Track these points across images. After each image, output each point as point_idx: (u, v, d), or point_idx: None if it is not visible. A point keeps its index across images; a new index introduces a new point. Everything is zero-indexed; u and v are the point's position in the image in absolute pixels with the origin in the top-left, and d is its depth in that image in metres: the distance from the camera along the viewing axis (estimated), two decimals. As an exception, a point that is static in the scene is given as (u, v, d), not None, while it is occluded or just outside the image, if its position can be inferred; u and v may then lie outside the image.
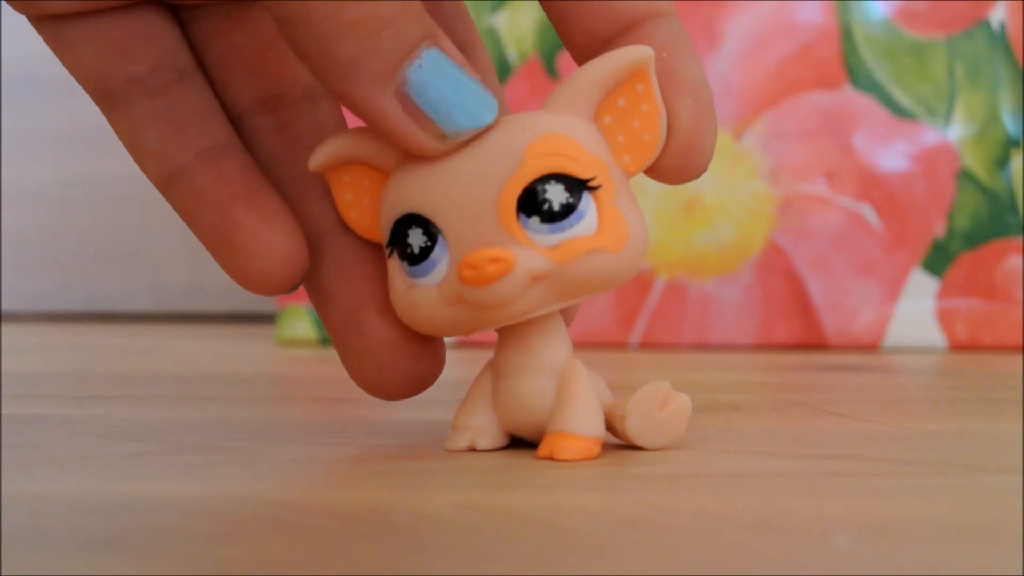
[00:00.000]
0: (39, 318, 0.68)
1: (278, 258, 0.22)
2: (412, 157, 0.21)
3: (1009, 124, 0.50)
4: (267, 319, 0.63)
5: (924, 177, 0.50)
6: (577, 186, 0.20)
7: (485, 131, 0.21)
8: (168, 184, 0.22)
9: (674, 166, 0.22)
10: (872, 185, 0.50)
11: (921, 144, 0.50)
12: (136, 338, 0.56)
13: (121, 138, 0.23)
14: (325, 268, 0.23)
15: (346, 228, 0.23)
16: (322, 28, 0.19)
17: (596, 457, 0.22)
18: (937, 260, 0.50)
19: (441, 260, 0.21)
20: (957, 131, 0.50)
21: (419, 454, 0.23)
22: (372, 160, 0.22)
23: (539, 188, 0.20)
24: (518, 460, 0.22)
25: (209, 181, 0.22)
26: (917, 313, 0.50)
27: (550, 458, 0.21)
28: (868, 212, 0.50)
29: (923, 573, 0.15)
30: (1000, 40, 0.50)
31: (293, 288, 0.23)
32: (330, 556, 0.15)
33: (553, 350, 0.22)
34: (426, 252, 0.21)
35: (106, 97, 0.22)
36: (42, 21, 0.22)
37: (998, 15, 0.50)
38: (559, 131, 0.21)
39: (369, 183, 0.22)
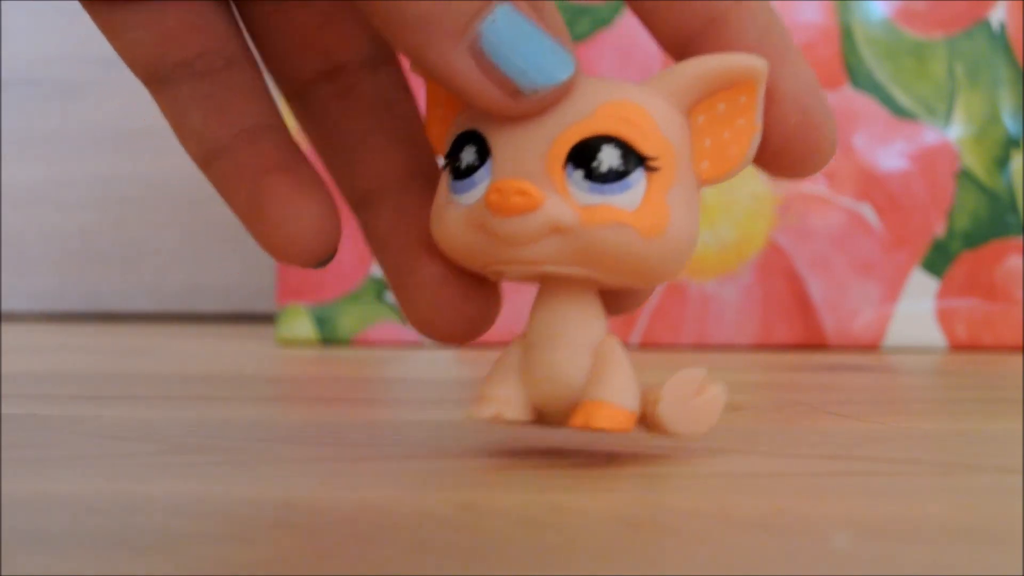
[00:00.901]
0: (39, 318, 0.68)
1: (309, 226, 0.21)
2: None
3: (1009, 124, 0.50)
4: (267, 319, 0.63)
5: (924, 177, 0.50)
6: (634, 159, 0.20)
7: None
8: (208, 161, 0.22)
9: (792, 171, 0.21)
10: (872, 185, 0.50)
11: (921, 144, 0.50)
12: (136, 338, 0.56)
13: (167, 117, 0.23)
14: (384, 216, 0.23)
15: (408, 181, 0.23)
16: None
17: (628, 432, 0.21)
18: (937, 260, 0.50)
19: (482, 182, 0.20)
20: (957, 131, 0.50)
21: (419, 454, 0.23)
22: None
23: (595, 144, 0.20)
24: (518, 460, 0.22)
25: (247, 155, 0.22)
26: (917, 313, 0.50)
27: (585, 426, 0.20)
28: (868, 212, 0.50)
29: (923, 573, 0.15)
30: (1000, 40, 0.50)
31: (323, 262, 0.22)
32: (330, 556, 0.15)
33: (588, 324, 0.21)
34: (472, 170, 0.20)
35: (154, 80, 0.23)
36: (93, 3, 0.22)
37: (998, 15, 0.50)
38: (640, 103, 0.20)
39: (462, 106, 0.22)
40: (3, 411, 0.29)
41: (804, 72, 0.21)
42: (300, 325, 0.51)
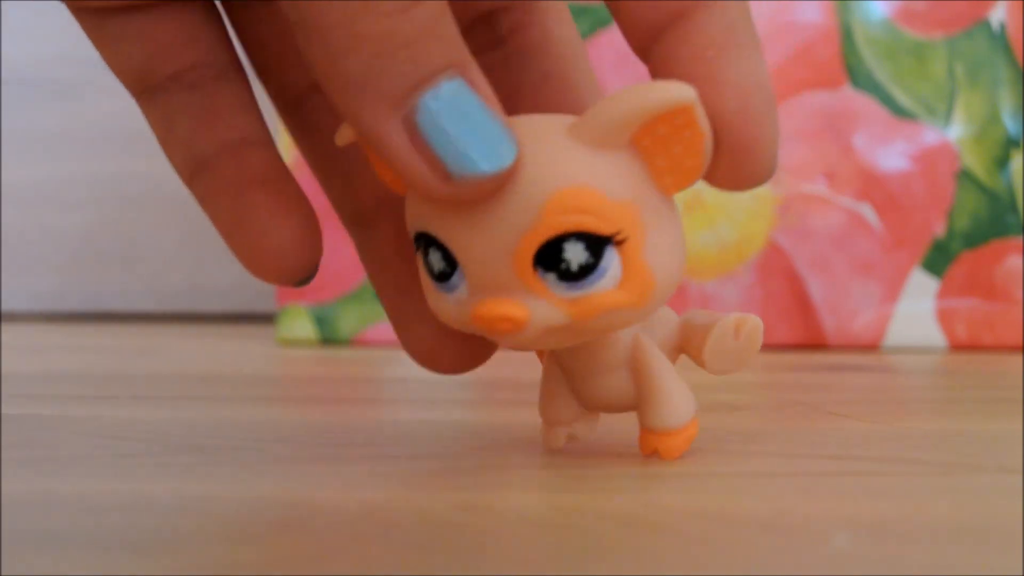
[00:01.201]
0: (39, 318, 0.68)
1: (289, 244, 0.21)
2: None
3: (1009, 124, 0.50)
4: (267, 319, 0.63)
5: (924, 177, 0.50)
6: (599, 244, 0.19)
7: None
8: (192, 174, 0.22)
9: (727, 176, 0.20)
10: (872, 185, 0.50)
11: (921, 144, 0.50)
12: (136, 338, 0.56)
13: (153, 128, 0.22)
14: (383, 238, 0.23)
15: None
16: (333, 37, 0.17)
17: (696, 436, 0.22)
18: (937, 260, 0.50)
19: (460, 286, 0.20)
20: (957, 131, 0.50)
21: (419, 454, 0.23)
22: None
23: (556, 245, 0.19)
24: (518, 460, 0.22)
25: (230, 169, 0.21)
26: (917, 313, 0.50)
27: (655, 456, 0.22)
28: (868, 212, 0.50)
29: (923, 573, 0.15)
30: (1000, 40, 0.50)
31: (303, 280, 0.22)
32: (331, 556, 0.15)
33: (616, 343, 0.22)
34: (446, 276, 0.20)
35: (142, 91, 0.22)
36: (83, 12, 0.22)
37: (998, 15, 0.50)
38: (583, 181, 0.19)
39: None
40: (3, 411, 0.29)
41: (756, 71, 0.20)
42: (300, 325, 0.51)
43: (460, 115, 0.18)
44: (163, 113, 0.22)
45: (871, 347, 0.50)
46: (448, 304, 0.20)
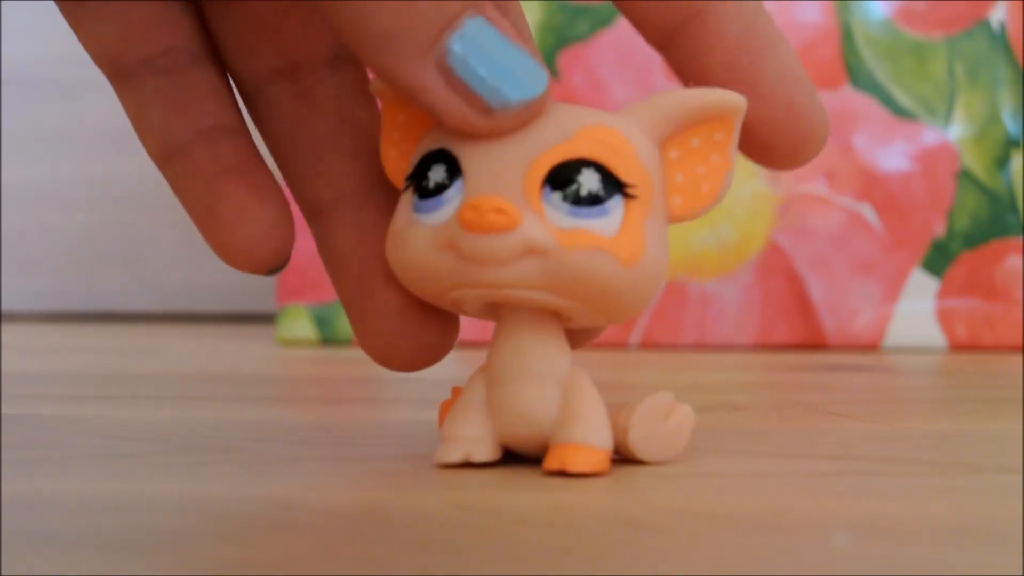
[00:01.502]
0: (39, 318, 0.68)
1: (260, 233, 0.21)
2: None
3: (1009, 124, 0.50)
4: (267, 319, 0.63)
5: (924, 177, 0.50)
6: (613, 184, 0.19)
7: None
8: (166, 160, 0.22)
9: (779, 161, 0.21)
10: (872, 185, 0.50)
11: (921, 144, 0.50)
12: (136, 338, 0.56)
13: (127, 113, 0.22)
14: (341, 232, 0.22)
15: (366, 194, 0.22)
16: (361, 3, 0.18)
17: (605, 472, 0.21)
18: (937, 260, 0.50)
19: (451, 202, 0.20)
20: (957, 131, 0.50)
21: (419, 454, 0.23)
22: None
23: (575, 168, 0.19)
24: (518, 460, 0.22)
25: (203, 157, 0.21)
26: (917, 313, 0.50)
27: (561, 471, 0.20)
28: (868, 212, 0.50)
29: (923, 573, 0.15)
30: (1000, 40, 0.50)
31: (274, 270, 0.22)
32: (330, 556, 0.15)
33: (553, 357, 0.21)
34: (441, 189, 0.20)
35: (117, 74, 0.22)
36: None
37: (998, 15, 0.50)
38: (619, 129, 0.20)
39: (421, 131, 0.21)
40: (3, 411, 0.29)
41: (790, 64, 0.21)
42: (300, 325, 0.51)
43: (487, 50, 0.19)
44: (136, 97, 0.22)
45: (871, 347, 0.50)
46: (421, 230, 0.20)
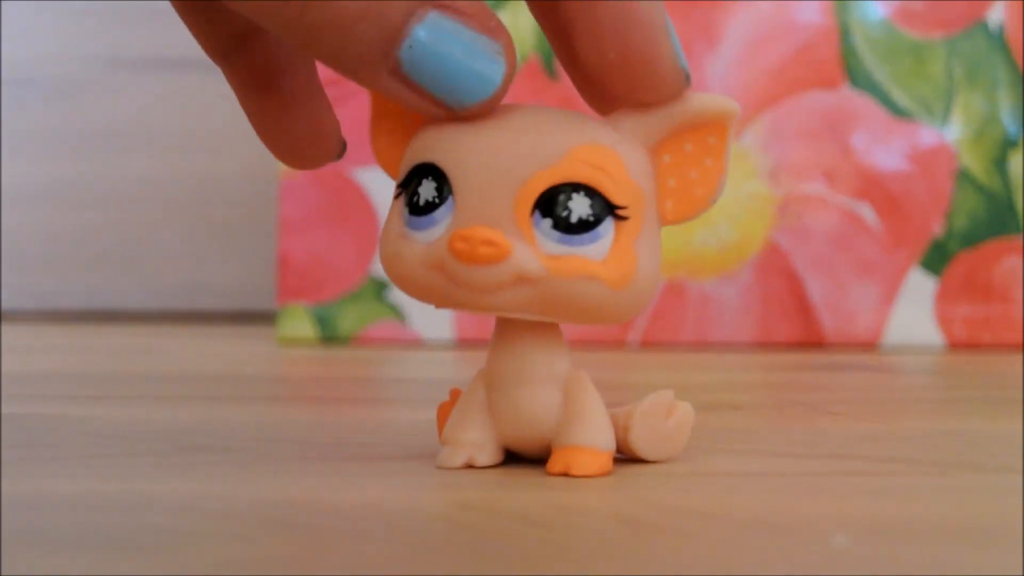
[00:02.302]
0: (39, 318, 0.68)
1: (302, 138, 0.22)
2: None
3: (1007, 124, 0.50)
4: (267, 319, 0.63)
5: (923, 177, 0.50)
6: (604, 208, 0.19)
7: (538, 108, 0.20)
8: (225, 54, 0.23)
9: (621, 81, 0.20)
10: (871, 185, 0.50)
11: (920, 144, 0.50)
12: (136, 338, 0.56)
13: (182, 19, 0.23)
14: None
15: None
16: (299, 31, 0.18)
17: (610, 473, 0.21)
18: (936, 260, 0.50)
19: (442, 221, 0.20)
20: (955, 131, 0.50)
21: (419, 454, 0.23)
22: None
23: (564, 193, 0.19)
24: (517, 460, 0.22)
25: (254, 55, 0.22)
26: (916, 313, 0.50)
27: (565, 474, 0.20)
28: (867, 212, 0.50)
29: (923, 573, 0.15)
30: (998, 41, 0.50)
31: (335, 158, 0.23)
32: (330, 556, 0.15)
33: (554, 360, 0.21)
34: (431, 207, 0.20)
35: None
36: None
37: (996, 16, 0.50)
38: (610, 145, 0.19)
39: (411, 117, 0.21)
40: (3, 411, 0.29)
41: (637, 10, 0.20)
42: (300, 324, 0.51)
43: (438, 57, 0.19)
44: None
45: (870, 346, 0.50)
46: (413, 246, 0.20)
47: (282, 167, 0.52)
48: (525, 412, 0.21)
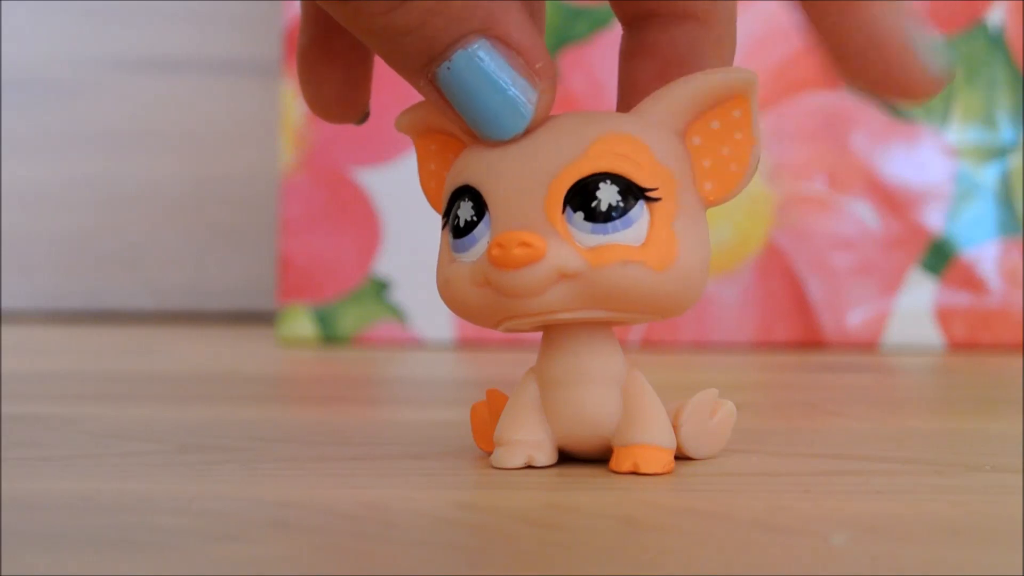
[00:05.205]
0: (39, 318, 0.68)
1: (333, 92, 0.23)
2: None
3: (1006, 124, 0.50)
4: (267, 319, 0.64)
5: (922, 177, 0.50)
6: (633, 192, 0.19)
7: (562, 114, 0.20)
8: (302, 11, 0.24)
9: (892, 78, 0.21)
10: (871, 185, 0.50)
11: (919, 144, 0.50)
12: (136, 338, 0.56)
13: None
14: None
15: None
16: (354, 29, 0.19)
17: (671, 471, 0.21)
18: (936, 260, 0.50)
19: (482, 238, 0.20)
20: (955, 131, 0.50)
21: (419, 454, 0.23)
22: (457, 132, 0.21)
23: (592, 184, 0.19)
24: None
25: (306, 8, 0.23)
26: (915, 313, 0.50)
27: (634, 472, 0.20)
28: (866, 212, 0.50)
29: (922, 572, 0.15)
30: (998, 41, 0.50)
31: (358, 120, 0.24)
32: (330, 556, 0.15)
33: (609, 359, 0.21)
34: (471, 226, 0.20)
35: None
36: None
37: (996, 17, 0.50)
38: (632, 133, 0.20)
39: (454, 156, 0.22)
40: (3, 411, 0.29)
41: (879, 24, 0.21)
42: (301, 325, 0.51)
43: (472, 85, 0.19)
44: None
45: (869, 347, 0.50)
46: (461, 268, 0.20)
47: (283, 167, 0.52)
48: (586, 412, 0.21)
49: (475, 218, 0.20)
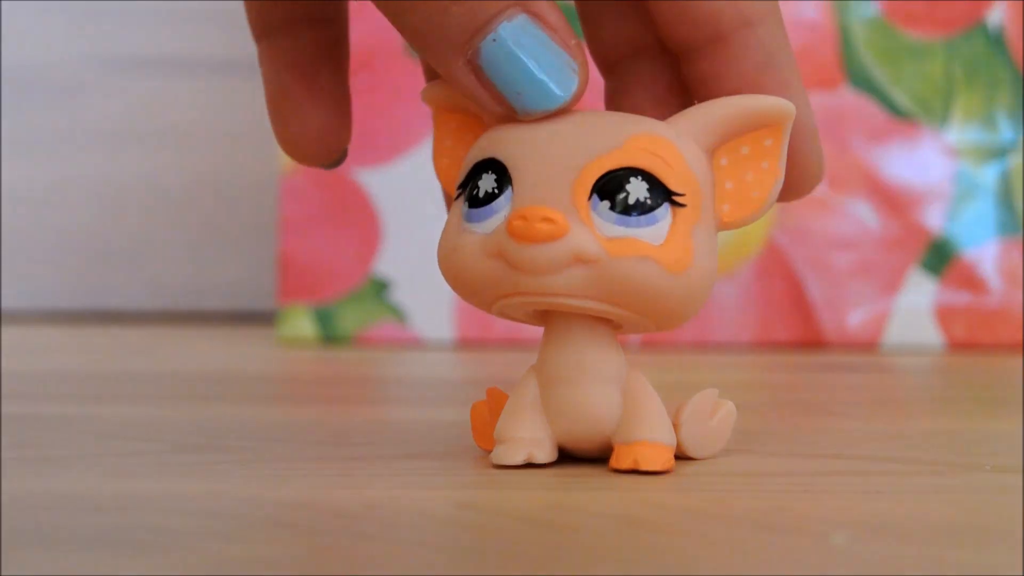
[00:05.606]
0: (39, 318, 0.68)
1: (313, 129, 0.23)
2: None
3: (1006, 124, 0.50)
4: (267, 319, 0.63)
5: (922, 177, 0.50)
6: (661, 192, 0.20)
7: (596, 111, 0.20)
8: (258, 40, 0.23)
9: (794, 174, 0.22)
10: (870, 185, 0.50)
11: (919, 144, 0.50)
12: (137, 337, 0.56)
13: None
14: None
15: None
16: (388, 10, 0.19)
17: (672, 469, 0.21)
18: (935, 260, 0.50)
19: (501, 211, 0.20)
20: (955, 131, 0.50)
21: (419, 454, 0.23)
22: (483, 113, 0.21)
23: (623, 176, 0.19)
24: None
25: (283, 45, 0.23)
26: (915, 313, 0.50)
27: (634, 469, 0.20)
28: (866, 212, 0.50)
29: (922, 572, 0.15)
30: (998, 41, 0.50)
31: (331, 163, 0.24)
32: (330, 556, 0.15)
33: (610, 358, 0.21)
34: (490, 198, 0.20)
35: None
36: None
37: (996, 17, 0.50)
38: (668, 138, 0.20)
39: (472, 137, 0.22)
40: (3, 411, 0.29)
41: (802, 109, 0.21)
42: (301, 324, 0.51)
43: (517, 57, 0.19)
44: None
45: (869, 347, 0.50)
46: (471, 237, 0.20)
47: (283, 167, 0.52)
48: (587, 410, 0.21)
49: (496, 191, 0.20)
